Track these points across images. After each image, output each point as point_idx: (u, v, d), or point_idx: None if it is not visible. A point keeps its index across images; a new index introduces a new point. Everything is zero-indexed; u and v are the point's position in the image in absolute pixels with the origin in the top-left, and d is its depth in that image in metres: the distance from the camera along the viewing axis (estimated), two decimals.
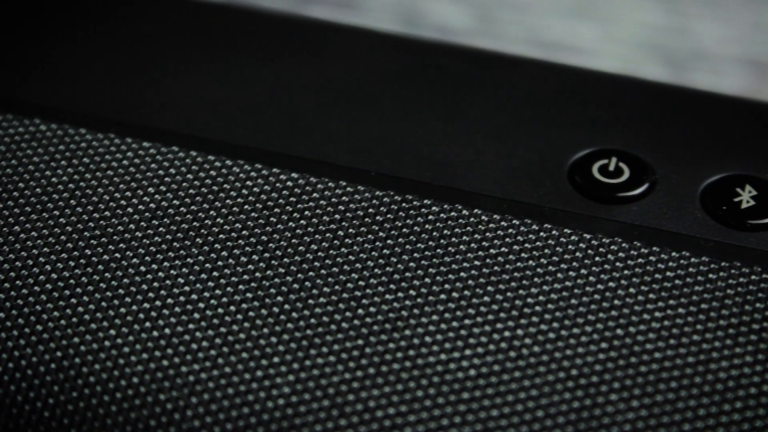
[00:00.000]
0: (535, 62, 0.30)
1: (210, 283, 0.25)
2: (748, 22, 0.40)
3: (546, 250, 0.26)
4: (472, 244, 0.26)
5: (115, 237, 0.26)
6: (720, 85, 0.38)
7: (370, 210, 0.27)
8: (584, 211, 0.27)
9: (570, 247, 0.26)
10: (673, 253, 0.26)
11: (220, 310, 0.25)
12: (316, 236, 0.26)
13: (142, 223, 0.26)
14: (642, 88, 0.30)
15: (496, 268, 0.26)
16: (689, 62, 0.39)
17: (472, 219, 0.26)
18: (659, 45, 0.39)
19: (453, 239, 0.26)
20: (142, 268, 0.26)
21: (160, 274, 0.25)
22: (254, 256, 0.26)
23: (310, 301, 0.25)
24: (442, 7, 0.40)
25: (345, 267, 0.26)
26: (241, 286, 0.25)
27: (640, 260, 0.26)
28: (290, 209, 0.27)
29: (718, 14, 0.40)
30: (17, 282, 0.25)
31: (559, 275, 0.25)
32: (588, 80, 0.30)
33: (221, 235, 0.26)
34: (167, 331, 0.25)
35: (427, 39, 0.32)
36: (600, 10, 0.40)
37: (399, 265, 0.26)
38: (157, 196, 0.27)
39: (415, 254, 0.26)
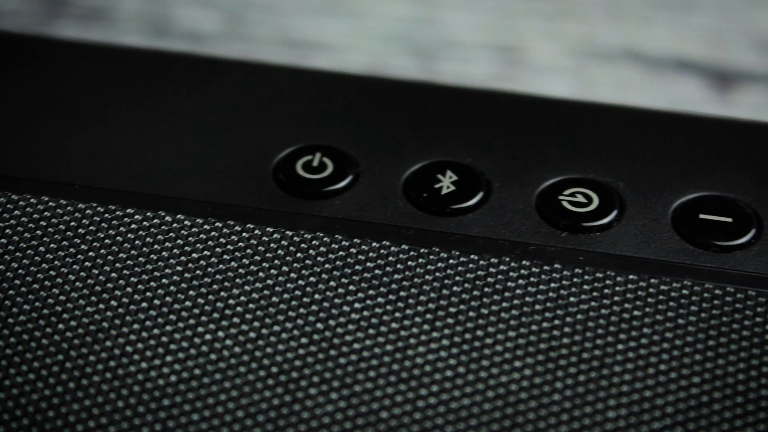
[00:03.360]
0: (240, 64, 0.30)
1: None
2: (495, 8, 0.41)
3: (248, 250, 0.26)
4: (174, 250, 0.26)
5: None
6: (468, 73, 0.39)
7: (72, 223, 0.26)
8: (288, 208, 0.27)
9: (272, 245, 0.26)
10: (374, 244, 0.26)
11: None
12: (17, 254, 0.26)
13: None
14: (346, 82, 0.30)
15: (198, 272, 0.26)
16: (438, 52, 0.39)
17: (174, 225, 0.26)
18: (408, 36, 0.40)
19: (155, 246, 0.26)
20: None
21: None
22: None
23: (10, 320, 0.25)
24: (191, 12, 0.40)
25: (46, 283, 0.25)
26: None
27: (341, 253, 0.26)
28: None
29: (464, 2, 0.41)
30: None
31: (260, 274, 0.26)
32: (294, 79, 0.30)
33: None
34: None
35: (130, 47, 0.32)
36: (348, 6, 0.41)
37: (101, 277, 0.26)
38: None
39: (117, 264, 0.26)
